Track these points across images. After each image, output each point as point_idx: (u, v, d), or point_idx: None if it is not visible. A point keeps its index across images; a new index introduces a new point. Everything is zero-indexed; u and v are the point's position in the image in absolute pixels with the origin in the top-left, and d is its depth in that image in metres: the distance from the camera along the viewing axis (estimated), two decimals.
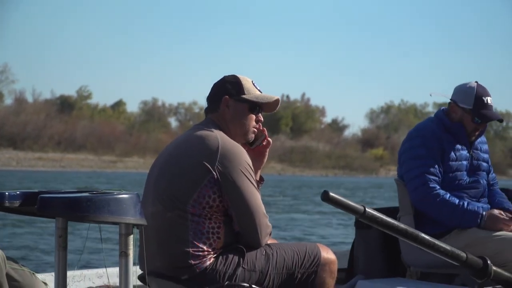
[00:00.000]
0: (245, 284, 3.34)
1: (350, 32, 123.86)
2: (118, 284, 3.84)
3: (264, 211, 3.47)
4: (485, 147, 4.86)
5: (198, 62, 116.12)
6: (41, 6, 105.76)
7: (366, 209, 3.54)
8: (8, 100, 76.86)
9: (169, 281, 3.41)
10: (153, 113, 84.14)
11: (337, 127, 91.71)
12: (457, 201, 4.53)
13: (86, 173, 54.78)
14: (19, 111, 69.17)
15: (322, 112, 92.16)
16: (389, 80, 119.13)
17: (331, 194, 3.36)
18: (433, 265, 4.57)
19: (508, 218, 4.58)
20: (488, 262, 4.06)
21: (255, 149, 3.73)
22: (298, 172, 74.09)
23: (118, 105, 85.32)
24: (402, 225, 3.77)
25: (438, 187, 4.55)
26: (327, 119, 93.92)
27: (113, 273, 4.18)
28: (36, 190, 3.33)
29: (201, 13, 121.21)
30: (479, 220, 4.53)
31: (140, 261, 3.49)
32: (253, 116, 3.61)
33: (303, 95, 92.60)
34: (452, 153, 4.65)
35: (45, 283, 3.11)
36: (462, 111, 4.68)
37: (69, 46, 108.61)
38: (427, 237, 3.87)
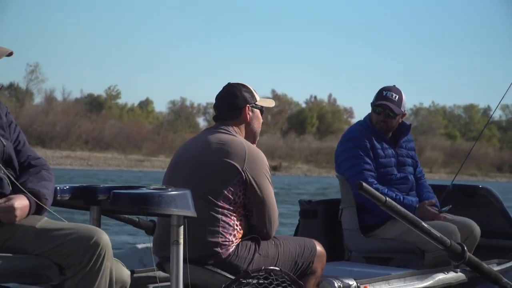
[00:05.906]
0: (276, 268, 3.83)
1: (378, 33, 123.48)
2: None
3: (276, 208, 4.08)
4: (411, 145, 5.42)
5: (226, 62, 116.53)
6: (71, 7, 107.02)
7: (387, 199, 4.32)
8: (38, 99, 77.45)
9: (195, 265, 3.83)
10: (181, 113, 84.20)
11: None
12: (394, 195, 5.09)
13: (113, 171, 55.29)
14: (48, 110, 69.69)
15: (349, 113, 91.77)
16: (420, 82, 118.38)
17: (364, 184, 4.19)
18: (372, 250, 5.16)
19: (437, 212, 5.15)
20: (465, 248, 4.62)
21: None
22: (324, 174, 73.81)
23: (146, 104, 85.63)
24: (410, 215, 4.46)
25: (376, 181, 5.10)
26: (355, 120, 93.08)
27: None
28: (79, 185, 3.56)
29: (229, 14, 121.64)
30: (413, 212, 5.08)
31: (156, 248, 4.00)
32: (261, 118, 4.22)
33: (330, 95, 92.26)
34: (380, 151, 5.21)
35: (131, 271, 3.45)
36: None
37: (99, 45, 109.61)
38: (426, 225, 4.51)
